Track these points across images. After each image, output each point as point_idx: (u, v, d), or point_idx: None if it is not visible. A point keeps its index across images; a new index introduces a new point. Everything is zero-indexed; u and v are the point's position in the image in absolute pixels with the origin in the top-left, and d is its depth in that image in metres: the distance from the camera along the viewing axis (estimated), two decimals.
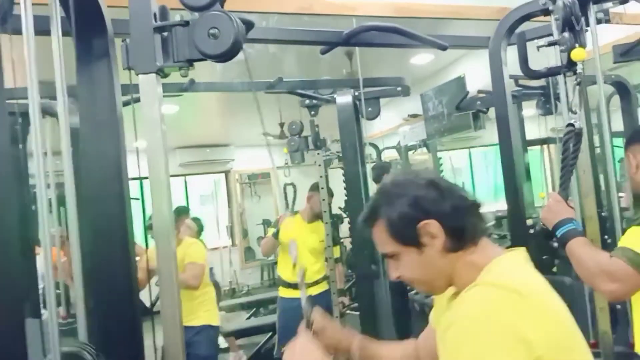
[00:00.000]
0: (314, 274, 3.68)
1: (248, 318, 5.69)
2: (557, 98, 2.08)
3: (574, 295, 2.00)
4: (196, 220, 4.62)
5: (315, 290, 3.63)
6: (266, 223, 7.90)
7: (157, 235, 1.28)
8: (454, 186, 1.12)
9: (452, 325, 0.96)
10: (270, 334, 4.62)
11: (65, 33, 1.25)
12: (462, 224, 1.06)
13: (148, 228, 1.35)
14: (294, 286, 3.50)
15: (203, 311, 3.34)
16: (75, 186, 1.27)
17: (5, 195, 0.93)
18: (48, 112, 1.35)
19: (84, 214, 1.29)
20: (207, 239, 7.74)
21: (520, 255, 1.10)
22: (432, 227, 1.05)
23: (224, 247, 8.16)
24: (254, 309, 5.35)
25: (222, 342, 4.88)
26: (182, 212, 3.84)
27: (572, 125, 1.65)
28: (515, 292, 0.94)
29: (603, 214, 2.47)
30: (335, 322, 1.28)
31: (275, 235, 3.65)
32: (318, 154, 3.52)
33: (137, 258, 1.47)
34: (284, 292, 3.77)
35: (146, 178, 1.27)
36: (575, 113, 1.67)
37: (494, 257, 1.06)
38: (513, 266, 1.06)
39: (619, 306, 1.48)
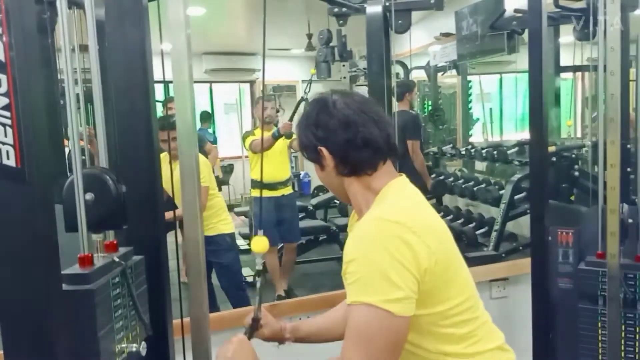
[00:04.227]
0: (284, 173, 4.13)
1: None
2: (596, 23, 1.99)
3: (588, 220, 2.02)
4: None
5: (285, 191, 4.12)
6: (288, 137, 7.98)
7: (180, 139, 1.30)
8: (365, 117, 1.19)
9: (349, 261, 1.10)
10: None
11: None
12: (352, 156, 1.19)
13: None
14: (265, 186, 3.97)
15: (216, 221, 3.45)
16: (101, 82, 1.28)
17: (36, 88, 0.95)
18: (74, 2, 1.35)
19: (110, 111, 1.32)
20: (230, 148, 7.86)
21: (403, 180, 1.26)
22: (324, 153, 1.21)
23: (246, 156, 8.25)
24: None
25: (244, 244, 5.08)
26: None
27: None
28: (395, 222, 1.10)
29: (628, 145, 2.41)
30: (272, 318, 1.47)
31: (275, 136, 3.85)
32: (344, 65, 3.47)
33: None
34: (255, 192, 4.18)
35: (171, 82, 1.28)
36: None
37: (388, 182, 1.21)
38: (399, 194, 1.21)
39: (630, 220, 1.52)
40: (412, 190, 1.26)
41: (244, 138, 4.25)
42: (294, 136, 3.88)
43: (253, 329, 1.38)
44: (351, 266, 1.09)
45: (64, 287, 0.99)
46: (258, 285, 1.41)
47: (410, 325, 1.10)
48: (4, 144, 0.85)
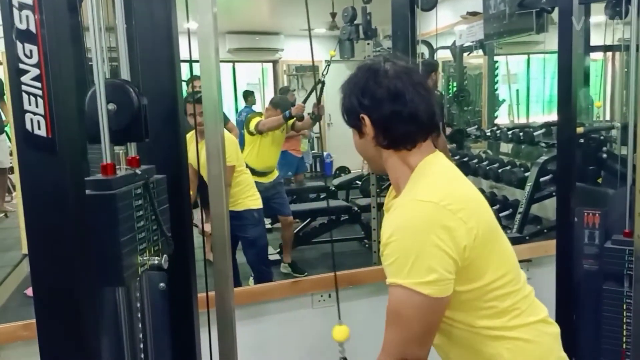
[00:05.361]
0: (274, 161, 4.29)
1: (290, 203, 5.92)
2: (629, 0, 1.93)
3: (614, 202, 1.99)
4: None
5: (272, 177, 4.20)
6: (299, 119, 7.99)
7: (206, 117, 1.31)
8: (414, 92, 1.16)
9: (386, 244, 1.11)
10: (308, 219, 4.82)
11: None
12: (394, 129, 1.16)
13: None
14: (255, 173, 4.05)
15: (244, 197, 3.51)
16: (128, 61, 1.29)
17: (66, 61, 0.96)
18: None
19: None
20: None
21: (438, 156, 1.23)
22: (366, 122, 1.18)
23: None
24: (294, 196, 5.54)
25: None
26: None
27: None
28: (430, 202, 1.10)
29: None
30: None
31: (287, 117, 3.96)
32: (368, 44, 3.44)
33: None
34: None
35: (197, 61, 1.28)
36: None
37: (423, 158, 1.19)
38: (434, 171, 1.18)
39: None
40: (447, 165, 1.23)
41: (249, 120, 4.28)
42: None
43: None
44: (388, 248, 1.10)
45: (87, 192, 0.98)
46: None
47: (451, 302, 1.11)
48: (35, 114, 0.86)
